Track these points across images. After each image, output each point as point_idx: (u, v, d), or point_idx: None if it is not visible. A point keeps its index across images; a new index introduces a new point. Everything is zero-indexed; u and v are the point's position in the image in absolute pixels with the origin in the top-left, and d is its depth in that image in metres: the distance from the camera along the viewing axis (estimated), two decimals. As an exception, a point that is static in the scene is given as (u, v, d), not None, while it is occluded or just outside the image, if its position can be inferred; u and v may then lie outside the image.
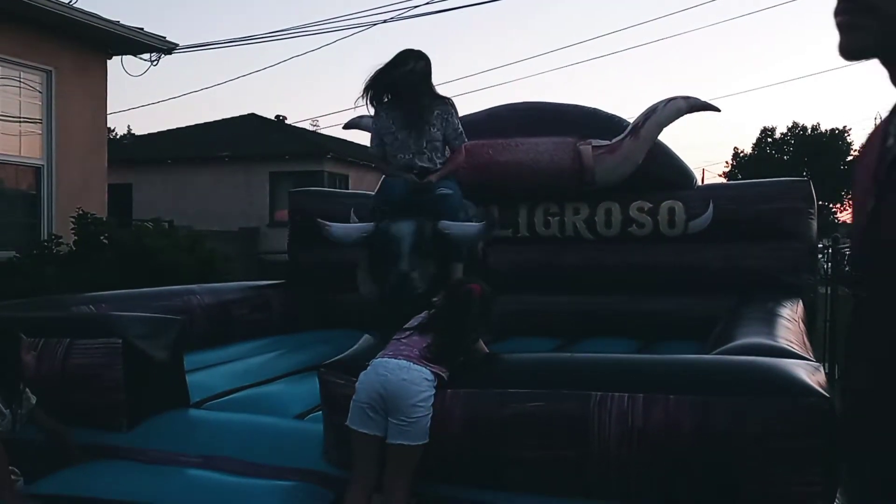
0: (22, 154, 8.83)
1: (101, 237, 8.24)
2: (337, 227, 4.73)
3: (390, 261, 4.33)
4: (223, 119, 24.10)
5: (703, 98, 5.87)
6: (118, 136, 32.29)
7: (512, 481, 2.85)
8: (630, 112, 6.83)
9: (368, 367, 2.95)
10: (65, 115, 9.11)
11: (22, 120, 8.83)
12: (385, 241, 4.40)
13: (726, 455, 2.59)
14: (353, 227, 4.81)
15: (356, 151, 22.05)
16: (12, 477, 3.27)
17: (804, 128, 49.80)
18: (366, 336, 3.38)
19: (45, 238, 8.43)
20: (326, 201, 6.84)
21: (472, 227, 4.62)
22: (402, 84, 4.78)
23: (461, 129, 4.97)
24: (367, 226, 4.64)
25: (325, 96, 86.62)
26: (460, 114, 5.12)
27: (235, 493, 2.98)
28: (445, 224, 4.43)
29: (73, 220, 8.29)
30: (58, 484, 3.14)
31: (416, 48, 4.85)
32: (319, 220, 4.80)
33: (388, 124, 4.87)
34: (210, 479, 3.10)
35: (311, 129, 26.14)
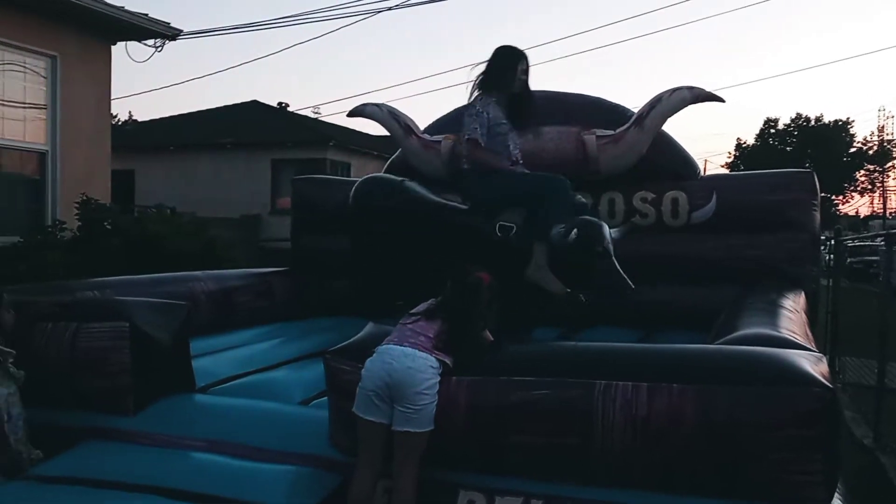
0: (27, 139, 8.84)
1: (105, 223, 8.25)
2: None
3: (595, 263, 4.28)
4: (226, 106, 24.07)
5: (707, 88, 5.86)
6: (120, 123, 32.26)
7: (516, 468, 2.88)
8: (634, 102, 6.84)
9: (374, 354, 2.97)
10: (69, 100, 9.10)
11: (27, 105, 8.84)
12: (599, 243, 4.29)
13: (729, 444, 2.61)
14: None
15: (358, 139, 22.03)
16: (36, 453, 3.32)
17: (807, 119, 49.77)
18: (371, 323, 3.40)
19: (49, 223, 8.44)
20: (329, 189, 6.85)
21: (617, 231, 4.57)
22: (521, 86, 4.72)
23: None
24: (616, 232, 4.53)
25: (327, 84, 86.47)
26: (459, 104, 5.08)
27: (240, 477, 3.01)
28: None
29: (76, 205, 8.30)
30: (64, 466, 3.17)
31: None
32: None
33: (499, 115, 4.68)
34: (215, 463, 3.13)
35: (313, 116, 26.12)
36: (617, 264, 4.28)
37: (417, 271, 4.62)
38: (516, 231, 4.50)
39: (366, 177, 5.59)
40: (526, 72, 4.69)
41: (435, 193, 5.08)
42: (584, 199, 4.83)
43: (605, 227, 4.34)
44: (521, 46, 4.76)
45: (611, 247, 4.29)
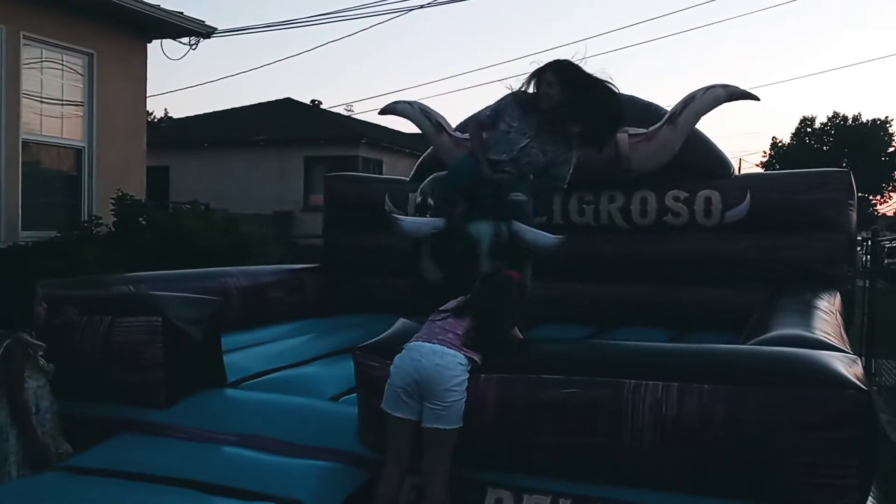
0: (64, 136, 8.98)
1: (140, 219, 8.36)
2: (408, 221, 4.73)
3: (466, 259, 4.35)
4: (259, 103, 24.27)
5: (742, 87, 5.79)
6: (156, 120, 32.64)
7: (544, 467, 2.87)
8: (667, 100, 6.79)
9: (403, 351, 2.98)
10: (105, 97, 9.23)
11: (64, 103, 8.98)
12: (461, 239, 4.40)
13: (760, 446, 2.58)
14: (423, 223, 4.73)
15: (390, 137, 22.09)
16: (65, 447, 3.38)
17: (844, 118, 49.01)
18: (401, 320, 3.41)
19: (86, 219, 8.57)
20: (361, 186, 6.87)
21: (547, 237, 4.50)
22: (547, 100, 4.54)
23: None
24: (438, 222, 4.60)
25: (359, 81, 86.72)
26: (491, 102, 5.05)
27: (271, 471, 3.03)
28: (520, 227, 4.42)
29: (112, 201, 8.42)
30: (98, 458, 3.22)
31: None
32: (391, 213, 4.83)
33: (514, 116, 4.66)
34: (245, 457, 3.16)
35: (345, 114, 26.23)
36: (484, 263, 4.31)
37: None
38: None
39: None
40: (552, 85, 4.49)
41: None
42: (521, 197, 4.64)
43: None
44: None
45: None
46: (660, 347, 3.21)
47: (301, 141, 20.51)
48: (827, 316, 3.96)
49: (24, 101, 8.37)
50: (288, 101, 24.30)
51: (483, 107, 5.03)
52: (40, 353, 3.43)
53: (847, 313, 5.14)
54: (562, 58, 4.59)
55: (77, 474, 3.06)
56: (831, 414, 2.51)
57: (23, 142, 8.38)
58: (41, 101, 8.67)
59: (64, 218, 8.65)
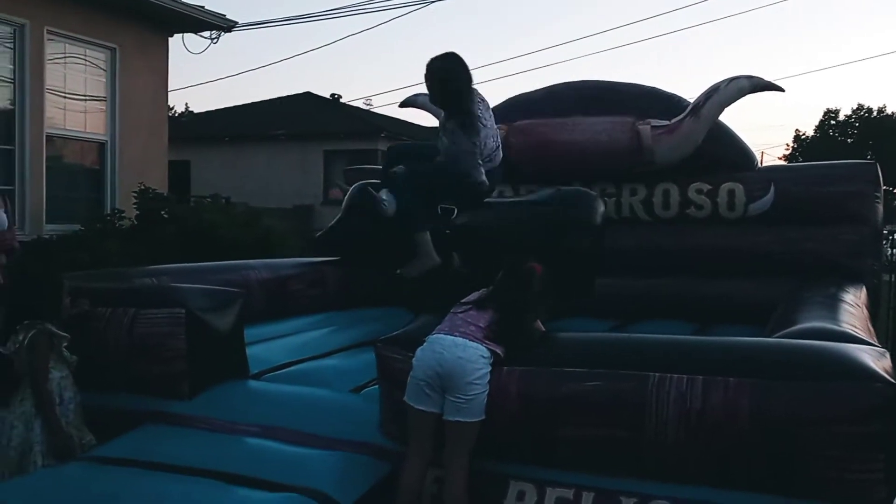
0: (87, 129, 9.05)
1: (162, 212, 8.42)
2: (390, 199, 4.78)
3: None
4: (279, 97, 24.34)
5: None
6: (177, 114, 32.84)
7: (567, 460, 2.86)
8: (690, 92, 6.72)
9: (425, 343, 2.97)
10: (127, 91, 9.29)
11: (87, 97, 9.04)
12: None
13: (786, 440, 2.55)
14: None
15: (410, 130, 22.08)
16: (89, 438, 3.41)
17: (869, 110, 48.40)
18: (422, 313, 3.41)
19: (108, 212, 8.64)
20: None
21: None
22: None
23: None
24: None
25: (379, 75, 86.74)
26: (519, 91, 5.09)
27: (293, 463, 3.04)
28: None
29: (134, 195, 8.48)
30: (121, 448, 3.24)
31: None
32: (371, 191, 4.85)
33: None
34: (268, 448, 3.16)
35: (364, 107, 26.25)
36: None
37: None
38: None
39: None
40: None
41: None
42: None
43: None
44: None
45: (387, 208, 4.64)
46: (684, 340, 3.18)
47: (321, 135, 20.55)
48: (853, 309, 3.91)
49: (47, 95, 8.44)
50: (308, 95, 24.34)
51: (505, 98, 5.06)
52: (65, 344, 3.46)
53: (873, 307, 5.08)
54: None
55: (101, 464, 3.08)
56: (859, 407, 2.48)
57: (47, 136, 8.45)
58: (65, 96, 8.74)
59: (87, 211, 8.73)
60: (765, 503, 2.60)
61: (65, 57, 8.73)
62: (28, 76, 8.17)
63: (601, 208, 4.88)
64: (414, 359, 2.95)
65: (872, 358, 2.64)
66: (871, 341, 3.09)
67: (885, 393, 2.47)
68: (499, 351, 2.95)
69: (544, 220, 4.74)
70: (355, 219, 4.92)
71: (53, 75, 8.54)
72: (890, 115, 47.63)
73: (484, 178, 4.71)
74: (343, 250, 5.56)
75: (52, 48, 8.51)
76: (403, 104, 6.53)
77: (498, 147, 4.87)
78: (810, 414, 2.51)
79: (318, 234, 5.03)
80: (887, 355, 2.81)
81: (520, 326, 3.02)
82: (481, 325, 2.97)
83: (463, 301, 3.12)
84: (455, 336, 2.94)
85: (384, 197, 4.75)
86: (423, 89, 5.10)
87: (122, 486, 2.83)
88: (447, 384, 2.86)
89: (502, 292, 3.07)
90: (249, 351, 3.97)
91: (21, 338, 3.36)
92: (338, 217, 4.95)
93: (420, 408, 2.90)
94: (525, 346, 3.00)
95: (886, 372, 2.56)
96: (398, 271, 4.74)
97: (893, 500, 2.54)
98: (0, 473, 3.25)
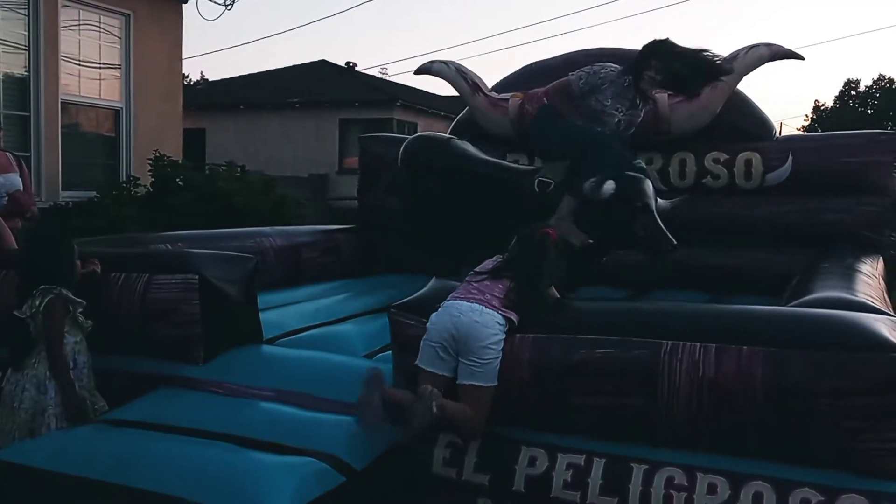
0: (102, 97, 9.05)
1: (177, 179, 8.44)
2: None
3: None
4: (294, 65, 24.25)
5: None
6: (192, 83, 32.80)
7: (578, 427, 2.86)
8: (708, 60, 6.60)
9: (440, 308, 2.97)
10: (142, 58, 9.28)
11: (102, 65, 9.03)
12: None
13: (800, 409, 2.54)
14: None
15: (425, 99, 21.99)
16: (101, 403, 3.44)
17: (891, 80, 47.67)
18: (435, 279, 3.40)
19: (124, 179, 8.67)
20: (395, 147, 6.83)
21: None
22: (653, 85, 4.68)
23: None
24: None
25: (395, 43, 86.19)
26: (527, 62, 5.02)
27: (306, 426, 3.05)
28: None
29: (150, 162, 8.50)
30: (135, 412, 3.27)
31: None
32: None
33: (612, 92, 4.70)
34: (282, 412, 3.18)
35: (379, 76, 26.13)
36: (660, 222, 4.23)
37: (469, 230, 4.66)
38: (554, 186, 4.52)
39: (413, 136, 5.61)
40: (658, 71, 4.52)
41: (484, 153, 5.12)
42: (642, 164, 4.71)
43: (648, 183, 4.30)
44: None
45: (652, 203, 4.24)
46: (698, 308, 3.17)
47: (336, 103, 20.50)
48: (870, 280, 3.88)
49: (62, 62, 8.43)
50: (323, 63, 24.25)
51: (520, 66, 4.96)
52: (80, 310, 3.48)
53: (890, 278, 5.04)
54: (660, 38, 4.60)
55: (115, 427, 3.11)
56: (875, 378, 2.46)
57: (62, 103, 8.46)
58: (79, 63, 8.74)
59: (103, 178, 8.77)
60: (777, 472, 2.59)
61: (79, 23, 8.71)
62: (42, 43, 8.16)
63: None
64: (429, 323, 2.96)
65: (888, 328, 2.62)
66: (888, 311, 3.06)
67: (901, 362, 2.44)
68: (514, 318, 2.95)
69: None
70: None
71: (68, 42, 8.53)
72: (911, 86, 46.94)
73: None
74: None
75: (66, 14, 8.49)
76: (419, 71, 6.46)
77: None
78: (824, 383, 2.50)
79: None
80: (904, 325, 2.78)
81: (535, 295, 3.01)
82: (496, 293, 2.97)
83: (477, 269, 3.11)
84: (472, 303, 2.94)
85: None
86: (438, 57, 5.06)
87: (135, 448, 2.85)
88: (462, 347, 2.86)
89: (516, 260, 3.06)
90: (263, 317, 3.98)
91: (38, 302, 3.38)
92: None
93: (431, 370, 2.91)
94: (540, 314, 2.99)
95: (903, 341, 2.53)
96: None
97: (907, 470, 2.53)
98: (11, 435, 3.29)
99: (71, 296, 3.46)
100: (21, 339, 3.40)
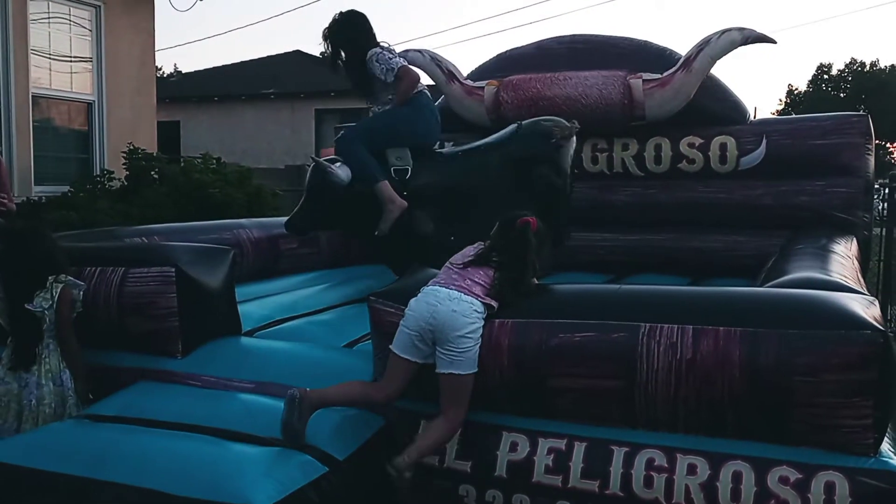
0: (74, 90, 8.94)
1: (152, 172, 8.36)
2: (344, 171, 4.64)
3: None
4: (268, 56, 24.06)
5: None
6: (165, 75, 32.46)
7: (559, 411, 2.87)
8: (681, 45, 6.66)
9: (419, 294, 2.96)
10: (113, 50, 9.16)
11: (73, 58, 8.92)
12: None
13: (776, 388, 2.56)
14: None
15: (401, 88, 21.85)
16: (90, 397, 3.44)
17: (862, 64, 48.13)
18: (416, 265, 3.40)
19: (98, 173, 8.57)
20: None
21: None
22: None
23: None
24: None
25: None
26: (510, 48, 5.02)
27: (287, 418, 3.04)
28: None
29: (123, 155, 8.41)
30: (114, 406, 3.25)
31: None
32: (315, 159, 4.69)
33: None
34: (261, 404, 3.17)
35: (355, 66, 25.94)
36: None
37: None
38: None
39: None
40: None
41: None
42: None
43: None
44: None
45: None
46: (675, 290, 3.18)
47: (312, 94, 20.36)
48: (843, 260, 3.93)
49: (32, 56, 8.31)
50: (297, 54, 24.06)
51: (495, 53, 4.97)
52: (80, 292, 3.48)
53: (863, 260, 5.10)
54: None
55: (94, 422, 3.09)
56: (848, 355, 2.49)
57: (33, 96, 8.35)
58: (49, 57, 8.62)
59: (76, 172, 8.66)
60: (755, 451, 2.62)
61: (48, 16, 8.59)
62: (11, 36, 8.03)
63: (570, 135, 4.74)
64: (407, 308, 2.95)
65: (861, 306, 2.65)
66: (861, 291, 3.10)
67: (874, 340, 2.48)
68: (494, 305, 2.94)
69: (509, 161, 4.65)
70: (318, 199, 4.68)
71: (37, 35, 8.41)
72: (883, 70, 47.40)
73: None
74: (312, 231, 5.37)
75: (35, 7, 8.36)
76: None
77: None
78: (800, 361, 2.53)
79: (286, 219, 4.91)
80: (876, 303, 2.82)
81: (515, 281, 2.99)
82: (476, 279, 2.95)
83: (462, 253, 3.10)
84: (451, 289, 2.92)
85: (335, 167, 4.60)
86: (414, 45, 5.06)
87: (114, 442, 2.84)
88: (439, 336, 2.85)
89: (497, 247, 3.04)
90: (242, 308, 3.97)
91: (54, 293, 3.39)
92: (301, 201, 4.78)
93: (404, 356, 2.91)
94: (520, 301, 2.99)
95: (875, 319, 2.57)
96: (376, 233, 4.64)
97: (881, 445, 2.57)
98: None
99: (75, 280, 3.48)
100: (30, 335, 3.38)
